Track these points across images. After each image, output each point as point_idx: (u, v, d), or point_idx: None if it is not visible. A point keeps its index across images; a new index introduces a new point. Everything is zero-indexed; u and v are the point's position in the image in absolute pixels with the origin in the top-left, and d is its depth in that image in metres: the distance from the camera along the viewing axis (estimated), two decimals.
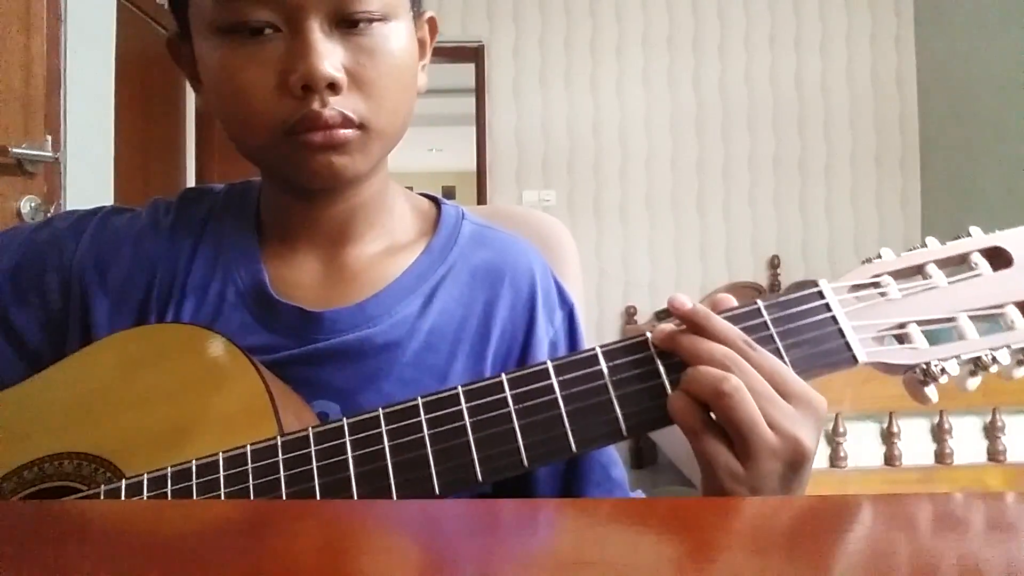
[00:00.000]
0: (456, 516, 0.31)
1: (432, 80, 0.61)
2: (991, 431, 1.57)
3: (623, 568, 0.24)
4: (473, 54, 3.47)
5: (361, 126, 0.50)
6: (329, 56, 0.48)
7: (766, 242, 3.43)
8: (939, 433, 1.56)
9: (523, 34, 3.48)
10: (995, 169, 2.90)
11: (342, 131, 0.49)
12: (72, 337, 0.57)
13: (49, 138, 1.36)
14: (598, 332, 3.32)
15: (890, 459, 1.57)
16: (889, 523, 0.28)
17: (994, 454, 1.57)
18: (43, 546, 0.27)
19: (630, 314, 3.34)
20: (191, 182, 2.87)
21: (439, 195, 0.67)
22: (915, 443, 1.58)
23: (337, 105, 0.48)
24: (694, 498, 0.38)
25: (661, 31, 3.47)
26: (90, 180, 1.58)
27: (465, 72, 3.55)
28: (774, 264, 3.39)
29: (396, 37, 0.51)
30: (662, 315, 3.33)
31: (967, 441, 1.59)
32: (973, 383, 0.43)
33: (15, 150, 1.30)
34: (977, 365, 0.42)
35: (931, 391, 0.42)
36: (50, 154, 1.36)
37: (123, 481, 0.45)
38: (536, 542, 0.28)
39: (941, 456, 1.57)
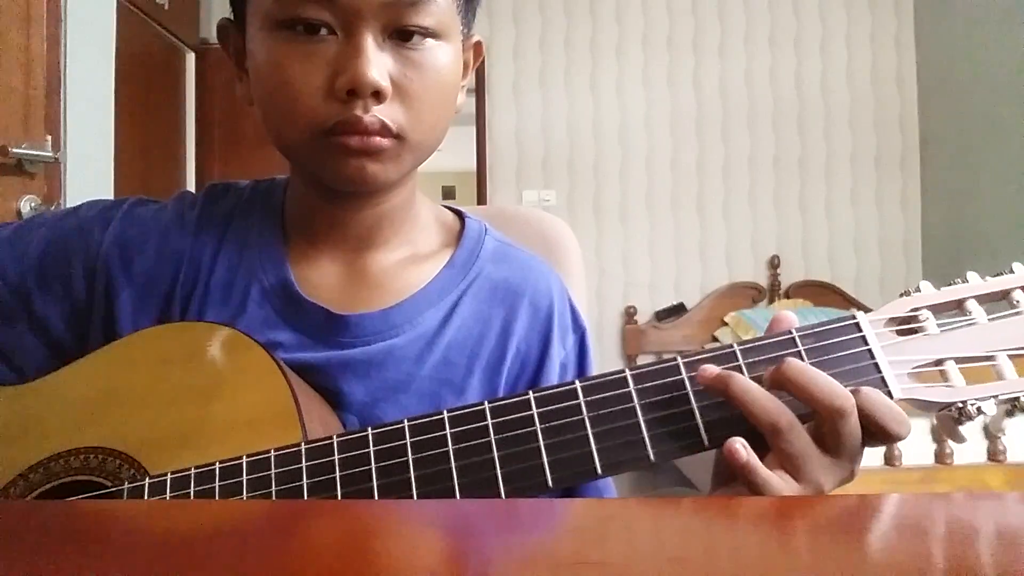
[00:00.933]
0: (463, 515, 0.31)
1: None
2: (991, 431, 1.58)
3: (623, 568, 0.24)
4: None
5: (398, 136, 0.51)
6: (378, 64, 0.48)
7: (766, 242, 3.43)
8: (939, 433, 1.56)
9: (523, 34, 3.47)
10: (995, 169, 2.89)
11: (379, 139, 0.50)
12: (95, 328, 0.57)
13: (49, 138, 1.36)
14: (598, 332, 3.31)
15: (890, 459, 1.57)
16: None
17: (994, 454, 1.57)
18: (62, 546, 0.27)
19: (630, 314, 3.34)
20: (191, 182, 2.87)
21: (441, 196, 0.67)
22: (915, 443, 1.58)
23: (379, 113, 0.49)
24: (701, 497, 0.38)
25: (661, 31, 3.46)
26: (90, 180, 1.58)
27: None
28: (774, 264, 3.39)
29: (444, 55, 0.52)
30: (662, 315, 3.33)
31: (967, 441, 1.59)
32: (1009, 424, 0.42)
33: (15, 150, 1.30)
34: (1015, 406, 0.41)
35: (965, 430, 0.42)
36: (50, 154, 1.36)
37: (147, 480, 0.45)
38: (538, 541, 0.28)
39: (941, 456, 1.57)
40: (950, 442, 1.56)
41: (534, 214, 0.79)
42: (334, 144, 0.50)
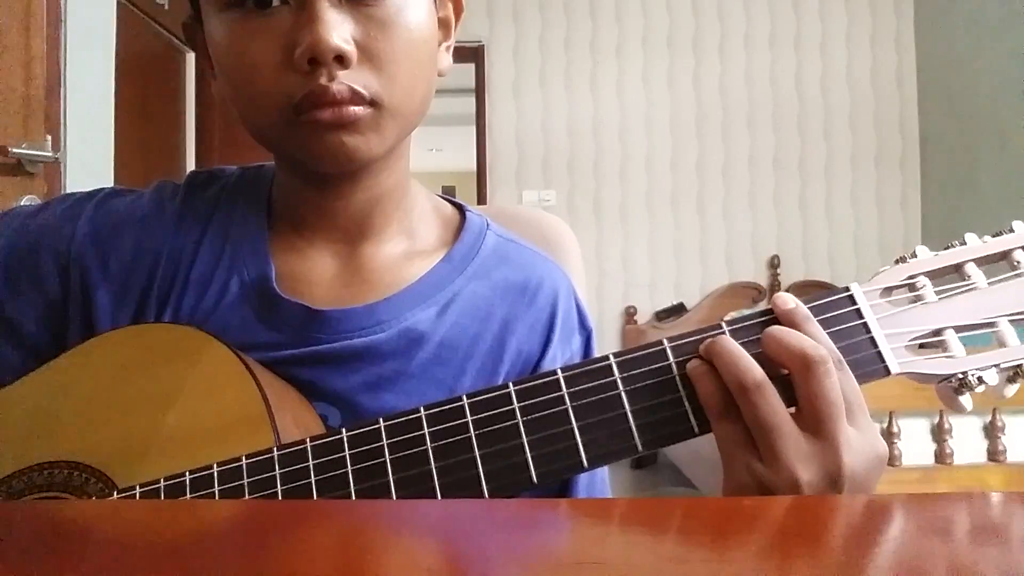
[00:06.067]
0: (458, 516, 0.31)
1: None
2: (991, 431, 1.58)
3: (624, 568, 0.24)
4: (473, 54, 3.47)
5: (373, 103, 0.47)
6: (337, 27, 0.45)
7: (766, 242, 3.43)
8: (939, 433, 1.56)
9: (523, 34, 3.47)
10: (995, 169, 2.89)
11: (352, 108, 0.46)
12: (73, 327, 0.54)
13: (49, 138, 1.36)
14: (598, 332, 3.30)
15: (890, 459, 1.57)
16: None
17: (994, 454, 1.57)
18: (41, 549, 0.27)
19: (630, 314, 3.34)
20: None
21: (441, 195, 0.66)
22: (915, 443, 1.58)
23: (346, 79, 0.46)
24: (700, 498, 0.37)
25: (661, 31, 3.46)
26: (90, 180, 1.58)
27: (465, 72, 3.54)
28: (774, 264, 3.39)
29: (412, 10, 0.48)
30: (662, 315, 3.33)
31: (967, 441, 1.59)
32: (1011, 390, 0.40)
33: (15, 150, 1.30)
34: (1017, 373, 0.39)
35: (966, 400, 0.40)
36: (50, 154, 1.36)
37: (115, 493, 0.43)
38: (537, 542, 0.28)
39: (941, 456, 1.57)
40: (950, 441, 1.56)
41: (534, 214, 0.79)
42: (306, 122, 0.46)
